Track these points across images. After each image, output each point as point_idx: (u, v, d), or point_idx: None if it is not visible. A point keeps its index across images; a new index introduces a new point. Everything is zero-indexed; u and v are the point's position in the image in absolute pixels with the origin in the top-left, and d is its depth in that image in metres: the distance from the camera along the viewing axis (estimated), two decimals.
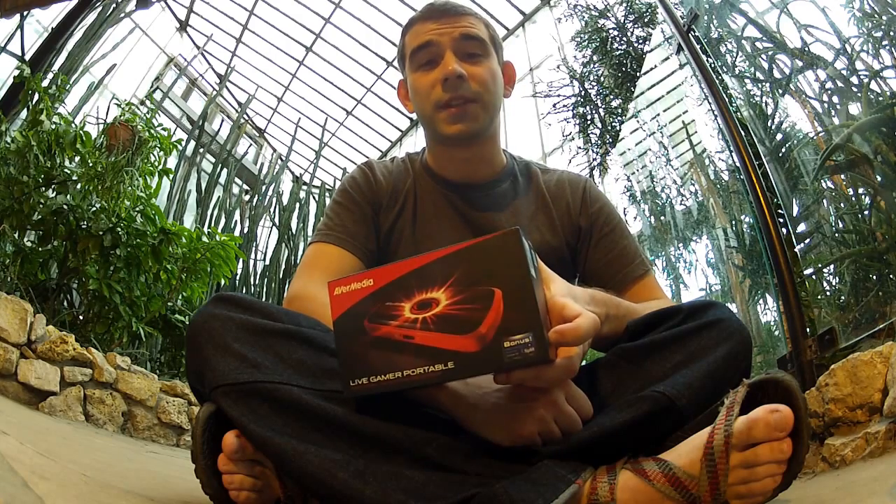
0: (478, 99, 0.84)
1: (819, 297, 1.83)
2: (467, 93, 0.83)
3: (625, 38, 4.36)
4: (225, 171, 4.84)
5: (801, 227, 2.00)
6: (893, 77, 1.82)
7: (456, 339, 0.50)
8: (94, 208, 2.18)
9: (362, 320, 0.54)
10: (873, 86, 1.79)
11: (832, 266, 1.88)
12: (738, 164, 1.75)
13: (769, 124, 2.17)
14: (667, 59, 4.16)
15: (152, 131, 2.58)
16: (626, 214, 4.68)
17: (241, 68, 7.27)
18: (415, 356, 0.51)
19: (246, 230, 4.60)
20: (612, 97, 4.44)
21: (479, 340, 0.49)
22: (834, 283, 1.90)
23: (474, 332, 0.49)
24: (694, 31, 2.03)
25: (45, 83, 2.27)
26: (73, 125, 2.28)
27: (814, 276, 1.86)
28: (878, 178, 1.67)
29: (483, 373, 0.50)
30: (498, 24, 5.75)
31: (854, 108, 1.86)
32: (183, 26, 6.86)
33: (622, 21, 4.38)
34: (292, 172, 7.21)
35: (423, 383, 0.51)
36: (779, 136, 2.16)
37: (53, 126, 2.17)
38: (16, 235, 2.10)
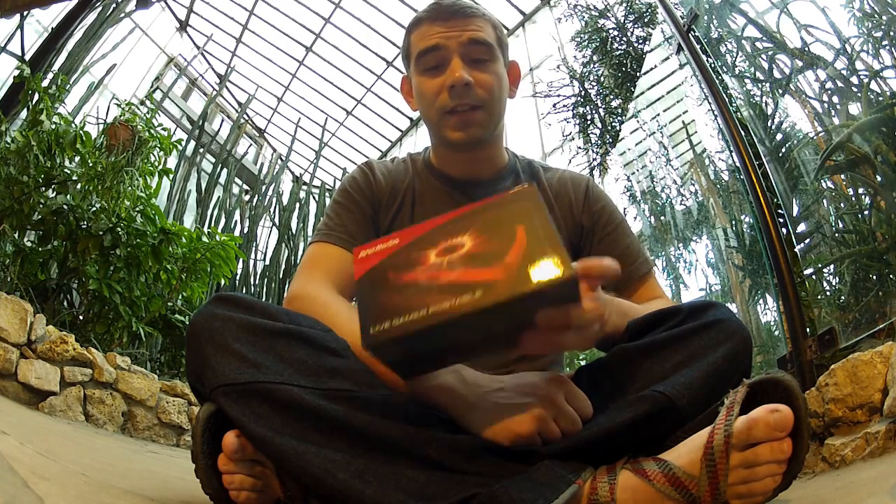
0: (484, 105, 0.84)
1: (819, 297, 1.84)
2: (473, 100, 0.83)
3: (625, 38, 4.37)
4: (225, 171, 4.84)
5: (801, 227, 2.00)
6: (893, 77, 1.82)
7: (482, 270, 0.50)
8: (94, 208, 2.18)
9: (386, 273, 0.53)
10: (873, 86, 1.79)
11: (832, 266, 1.88)
12: (738, 164, 1.75)
13: (769, 124, 2.17)
14: (667, 59, 4.16)
15: (152, 131, 2.58)
16: (626, 214, 4.66)
17: (241, 68, 7.27)
18: (441, 293, 0.50)
19: (246, 230, 4.60)
20: (612, 97, 4.44)
21: (505, 269, 0.49)
22: (834, 283, 1.90)
23: (500, 262, 0.50)
24: (694, 31, 2.03)
25: (45, 83, 2.27)
26: (73, 125, 2.28)
27: (814, 276, 1.86)
28: (878, 178, 1.67)
29: (510, 295, 0.48)
30: None
31: (854, 108, 1.86)
32: (183, 26, 6.86)
33: (622, 21, 4.39)
34: (292, 172, 7.21)
35: (449, 319, 0.49)
36: (779, 136, 2.16)
37: (53, 126, 2.17)
38: (16, 235, 2.10)
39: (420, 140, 7.04)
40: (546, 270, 0.48)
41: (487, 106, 0.85)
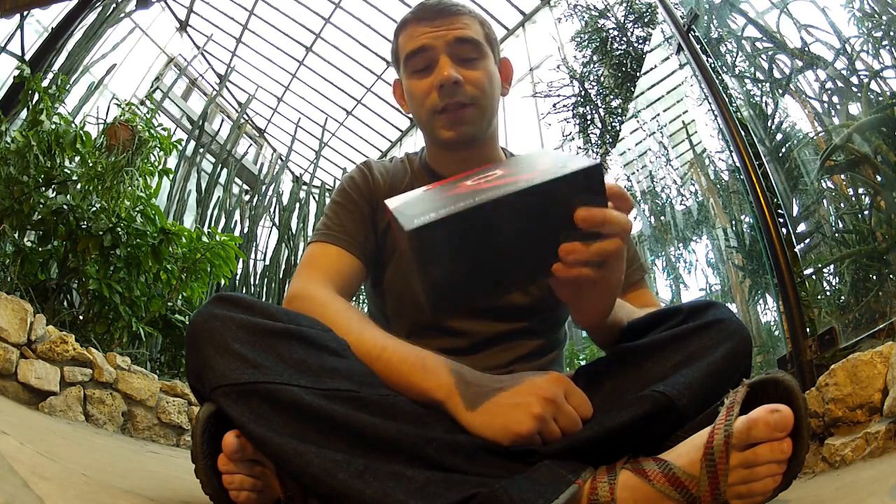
0: (474, 103, 0.84)
1: (819, 297, 1.83)
2: (463, 98, 0.83)
3: (625, 38, 4.36)
4: (225, 171, 4.84)
5: (801, 227, 2.00)
6: (893, 77, 1.82)
7: (519, 177, 0.53)
8: (94, 208, 2.18)
9: (424, 193, 0.57)
10: (873, 86, 1.79)
11: (832, 266, 1.88)
12: (738, 164, 1.75)
13: (769, 124, 2.17)
14: (667, 59, 4.16)
15: (152, 131, 2.58)
16: None
17: (241, 68, 7.27)
18: (485, 191, 0.52)
19: (246, 230, 4.61)
20: (612, 97, 4.44)
21: (541, 172, 0.53)
22: (834, 283, 1.90)
23: (535, 170, 0.54)
24: (694, 31, 2.03)
25: (45, 83, 2.27)
26: (73, 125, 2.28)
27: (814, 276, 1.86)
28: (879, 178, 1.67)
29: (551, 180, 0.51)
30: (498, 25, 5.74)
31: (854, 108, 1.86)
32: (183, 26, 6.85)
33: (622, 21, 4.38)
34: (292, 172, 7.21)
35: (494, 200, 0.50)
36: (779, 136, 2.16)
37: (53, 126, 2.17)
38: (16, 235, 2.10)
39: (420, 140, 7.03)
40: (577, 163, 0.52)
41: (478, 103, 0.84)
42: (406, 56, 0.86)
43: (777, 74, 2.20)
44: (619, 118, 4.47)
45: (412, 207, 0.53)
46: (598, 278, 0.56)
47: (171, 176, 2.81)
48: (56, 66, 2.71)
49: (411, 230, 0.48)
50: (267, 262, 4.54)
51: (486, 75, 0.85)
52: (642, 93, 4.60)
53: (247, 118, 7.18)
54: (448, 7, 0.85)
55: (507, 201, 0.50)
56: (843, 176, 1.84)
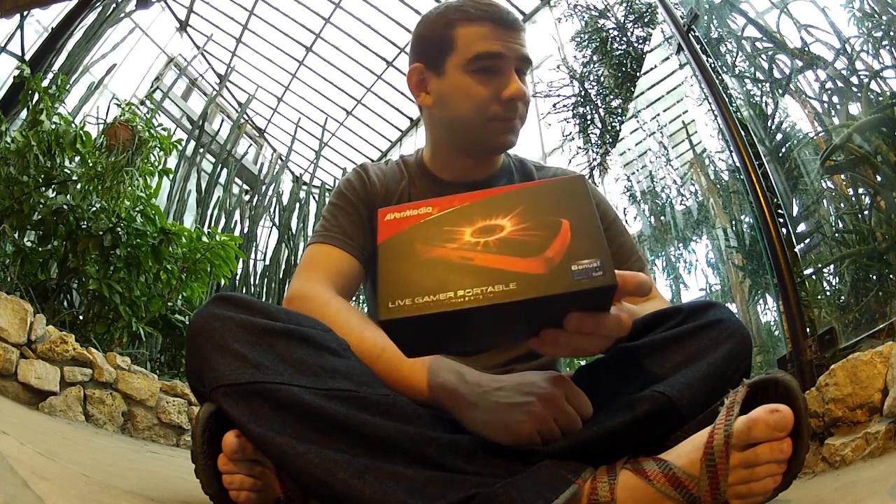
0: (522, 117, 0.87)
1: (819, 297, 1.83)
2: (520, 112, 0.85)
3: (625, 38, 4.36)
4: (225, 171, 4.84)
5: (801, 227, 2.00)
6: (893, 77, 1.82)
7: (520, 261, 0.47)
8: (94, 208, 2.18)
9: (413, 243, 0.49)
10: (873, 86, 1.79)
11: (832, 266, 1.88)
12: (738, 164, 1.75)
13: (769, 124, 2.17)
14: (667, 59, 4.16)
15: (152, 131, 2.58)
16: (626, 214, 4.68)
17: (241, 68, 7.27)
18: (471, 276, 0.46)
19: (246, 230, 4.60)
20: (612, 97, 4.44)
21: (545, 262, 0.46)
22: (834, 283, 1.90)
23: (541, 255, 0.47)
24: (694, 31, 2.03)
25: (45, 83, 2.27)
26: (73, 125, 2.28)
27: (814, 276, 1.86)
28: (879, 178, 1.67)
29: (548, 294, 0.46)
30: None
31: (854, 108, 1.86)
32: (183, 26, 6.85)
33: (622, 21, 4.38)
34: (292, 172, 7.21)
35: (476, 306, 0.46)
36: (779, 136, 2.16)
37: (53, 126, 2.17)
38: (16, 235, 2.10)
39: (420, 140, 7.03)
40: (587, 272, 0.45)
41: (523, 118, 0.87)
42: (477, 55, 0.82)
43: (777, 74, 2.20)
44: (619, 118, 4.47)
45: (392, 274, 0.48)
46: (590, 345, 0.53)
47: (171, 176, 2.81)
48: (56, 66, 2.71)
49: (383, 321, 0.47)
50: (267, 262, 4.54)
51: (529, 92, 0.88)
52: (642, 93, 4.60)
53: (247, 118, 7.18)
54: (517, 21, 0.86)
55: (491, 310, 0.46)
56: (843, 176, 1.84)
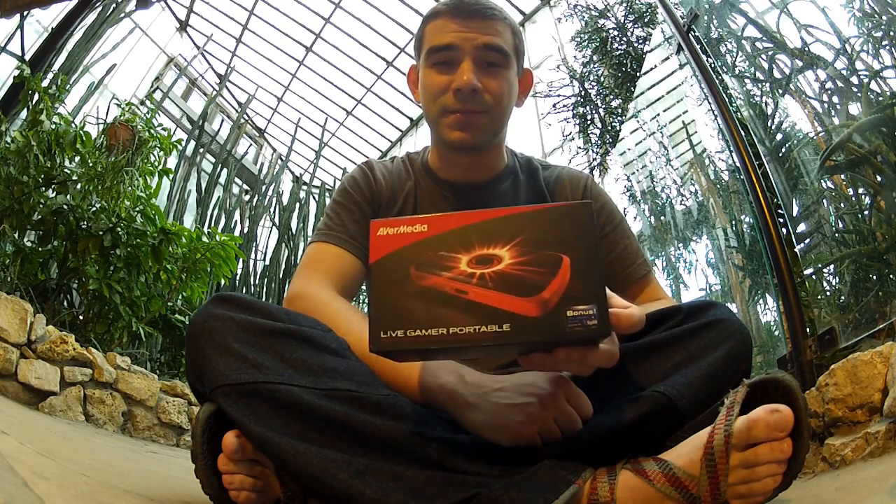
0: (488, 111, 0.82)
1: (819, 297, 1.83)
2: (479, 105, 0.81)
3: (625, 38, 4.36)
4: (225, 171, 4.84)
5: (801, 227, 2.00)
6: (893, 77, 1.82)
7: (516, 300, 0.46)
8: (94, 208, 2.18)
9: (408, 267, 0.48)
10: (873, 86, 1.79)
11: (832, 266, 1.88)
12: (738, 164, 1.75)
13: (769, 124, 2.17)
14: (667, 59, 4.16)
15: (152, 131, 2.58)
16: (626, 214, 4.67)
17: (241, 68, 7.27)
18: (465, 313, 0.46)
19: (246, 230, 4.60)
20: (612, 97, 4.43)
21: (541, 305, 0.46)
22: (834, 283, 1.90)
23: (537, 296, 0.46)
24: (694, 31, 2.03)
25: (45, 83, 2.27)
26: (73, 125, 2.27)
27: (814, 276, 1.86)
28: (878, 178, 1.67)
29: (539, 340, 0.46)
30: None
31: (854, 108, 1.86)
32: (183, 26, 6.85)
33: (622, 21, 4.38)
34: (292, 172, 7.20)
35: (468, 344, 0.46)
36: (779, 136, 2.16)
37: (53, 126, 2.17)
38: (16, 235, 2.10)
39: (420, 140, 7.04)
40: (582, 320, 0.45)
41: (492, 112, 0.83)
42: (430, 48, 0.83)
43: (777, 74, 2.20)
44: (619, 118, 4.47)
45: (385, 300, 0.48)
46: (577, 369, 0.53)
47: (171, 176, 2.81)
48: (56, 66, 2.71)
49: (375, 350, 0.47)
50: (267, 262, 4.54)
51: (506, 85, 0.83)
52: (642, 93, 4.60)
53: (247, 118, 7.18)
54: (484, 9, 0.82)
55: (482, 347, 0.47)
56: (843, 176, 1.84)
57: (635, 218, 4.83)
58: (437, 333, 0.46)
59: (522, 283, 0.46)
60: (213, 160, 5.15)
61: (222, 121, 7.76)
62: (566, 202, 0.50)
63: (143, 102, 4.43)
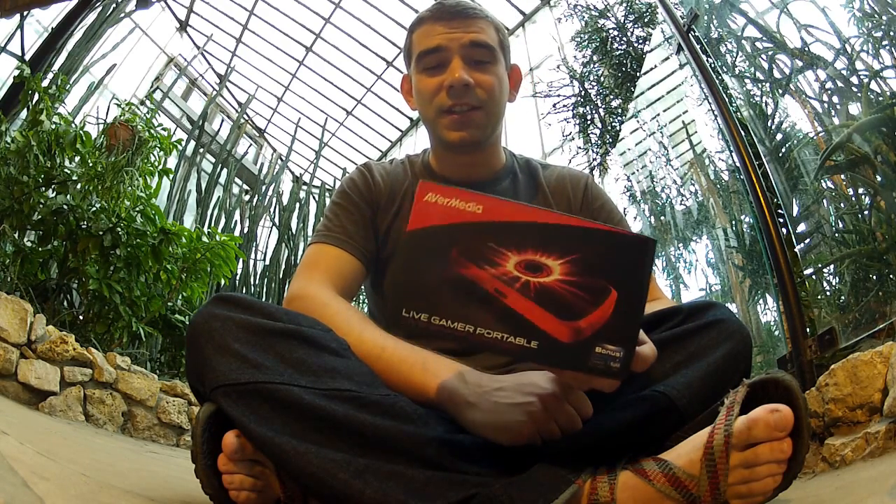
0: (483, 106, 0.84)
1: (819, 297, 1.83)
2: (473, 100, 0.83)
3: (625, 38, 4.37)
4: (225, 171, 4.84)
5: (801, 227, 2.00)
6: (893, 77, 1.82)
7: (552, 320, 0.44)
8: (94, 208, 2.18)
9: (451, 247, 0.44)
10: (873, 86, 1.79)
11: (832, 266, 1.88)
12: (738, 164, 1.75)
13: (769, 124, 2.17)
14: (667, 59, 4.16)
15: (152, 131, 2.58)
16: (626, 214, 4.68)
17: (241, 68, 7.27)
18: (498, 317, 0.44)
19: (246, 230, 4.60)
20: (612, 97, 4.44)
21: (574, 333, 0.44)
22: (834, 283, 1.90)
23: (573, 322, 0.44)
24: (694, 31, 2.03)
25: (45, 83, 2.27)
26: (73, 125, 2.28)
27: (814, 276, 1.86)
28: (878, 178, 1.67)
29: (560, 367, 0.46)
30: None
31: (854, 108, 1.86)
32: (183, 26, 6.85)
33: (622, 21, 4.39)
34: (292, 172, 7.21)
35: (489, 348, 0.45)
36: (779, 136, 2.16)
37: (53, 126, 2.17)
38: (16, 235, 2.10)
39: (420, 140, 7.04)
40: (606, 360, 0.45)
41: (486, 107, 0.85)
42: (419, 53, 0.86)
43: (777, 74, 2.20)
44: (619, 118, 4.47)
45: (416, 276, 0.45)
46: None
47: (171, 176, 2.81)
48: (56, 66, 2.71)
49: (392, 320, 0.46)
50: (267, 262, 4.54)
51: (497, 80, 0.85)
52: (642, 93, 4.60)
53: (247, 118, 7.18)
54: (466, 10, 0.85)
55: (502, 351, 0.46)
56: (843, 176, 1.84)
57: (635, 218, 4.83)
58: (463, 330, 0.44)
59: (564, 305, 0.44)
60: (213, 160, 5.15)
61: (222, 121, 7.76)
62: (635, 233, 0.47)
63: (143, 102, 4.42)
